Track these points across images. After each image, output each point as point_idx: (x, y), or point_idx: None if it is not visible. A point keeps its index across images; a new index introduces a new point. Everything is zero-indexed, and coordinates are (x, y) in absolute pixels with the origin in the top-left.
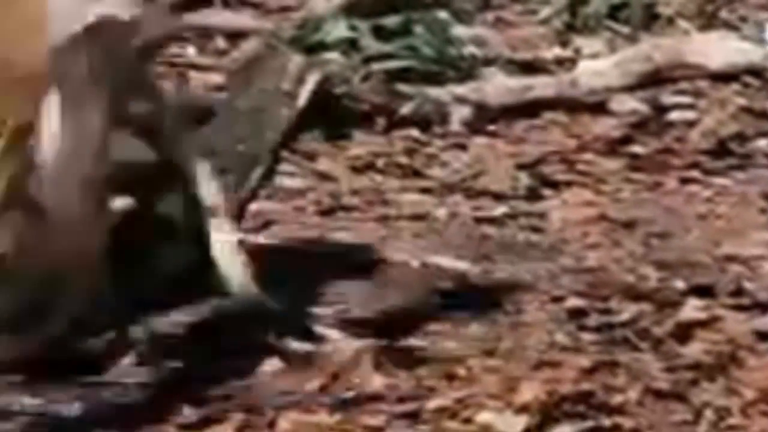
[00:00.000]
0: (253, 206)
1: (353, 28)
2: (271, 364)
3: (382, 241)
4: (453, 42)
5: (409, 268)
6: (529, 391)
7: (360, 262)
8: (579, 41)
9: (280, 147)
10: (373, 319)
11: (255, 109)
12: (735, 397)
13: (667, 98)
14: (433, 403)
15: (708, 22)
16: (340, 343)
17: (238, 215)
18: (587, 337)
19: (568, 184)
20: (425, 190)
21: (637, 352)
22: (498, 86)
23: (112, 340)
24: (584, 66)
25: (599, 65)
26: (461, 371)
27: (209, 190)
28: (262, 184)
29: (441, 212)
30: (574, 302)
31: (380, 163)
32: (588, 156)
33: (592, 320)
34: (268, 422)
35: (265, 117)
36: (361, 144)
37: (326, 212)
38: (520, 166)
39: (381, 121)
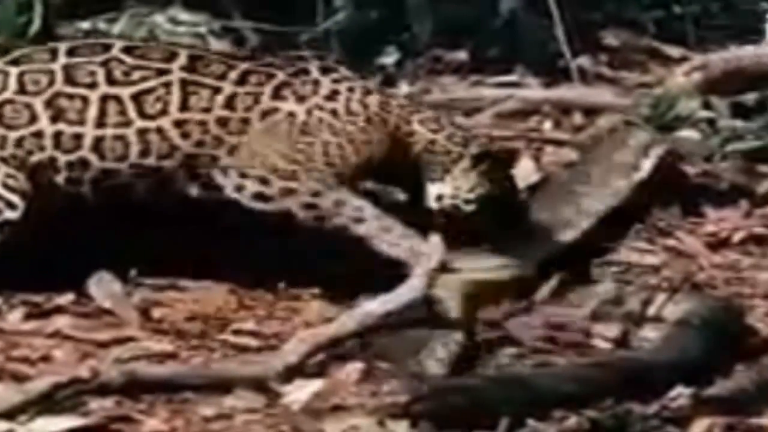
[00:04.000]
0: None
1: (707, 105)
2: None
3: None
4: None
5: (760, 345)
6: None
7: None
8: None
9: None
10: (727, 397)
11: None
12: None
13: None
14: None
15: None
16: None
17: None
18: None
19: None
20: None
21: None
22: None
23: None
24: None
25: None
26: None
27: None
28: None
29: None
30: None
31: (736, 240)
32: None
33: None
34: None
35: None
36: (718, 222)
37: (675, 290)
38: None
39: (738, 199)
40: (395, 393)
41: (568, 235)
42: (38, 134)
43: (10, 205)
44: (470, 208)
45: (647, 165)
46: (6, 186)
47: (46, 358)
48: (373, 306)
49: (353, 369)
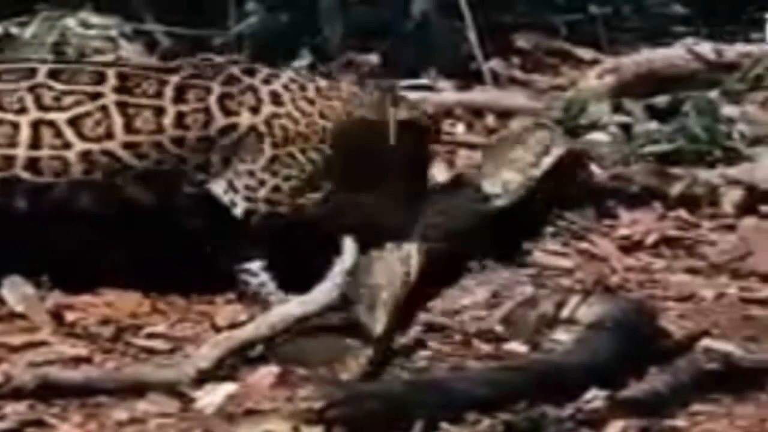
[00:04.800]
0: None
1: (620, 108)
2: None
3: None
4: (722, 121)
5: (673, 347)
6: None
7: None
8: None
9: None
10: (641, 399)
11: None
12: None
13: None
14: None
15: None
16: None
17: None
18: None
19: None
20: (693, 271)
21: None
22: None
23: None
24: None
25: None
26: None
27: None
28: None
29: (708, 293)
30: None
31: (649, 243)
32: None
33: None
34: None
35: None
36: (631, 224)
37: (588, 293)
38: None
39: (651, 202)
40: (310, 398)
41: None
42: None
43: None
44: None
45: (545, 164)
46: None
47: None
48: (288, 309)
49: (267, 373)
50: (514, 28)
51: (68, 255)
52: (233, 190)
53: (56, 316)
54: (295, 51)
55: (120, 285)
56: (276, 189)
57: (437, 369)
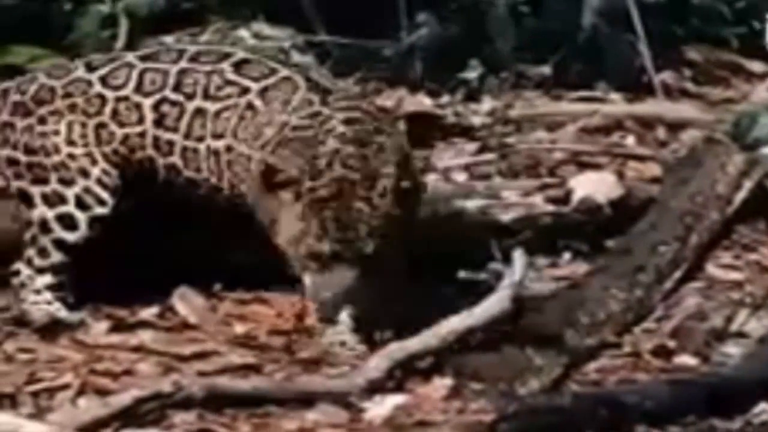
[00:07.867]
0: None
1: None
2: None
3: None
4: None
5: None
6: None
7: None
8: None
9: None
10: None
11: (686, 210)
12: None
13: None
14: None
15: None
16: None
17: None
18: None
19: None
20: None
21: None
22: None
23: None
24: None
25: None
26: None
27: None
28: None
29: None
30: None
31: None
32: None
33: None
34: None
35: (694, 220)
36: None
37: (759, 306)
38: None
39: None
40: (481, 411)
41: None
42: (142, 135)
43: (101, 202)
44: None
45: (739, 197)
46: (100, 182)
47: (129, 372)
48: (457, 321)
49: (440, 385)
50: (685, 41)
51: (239, 264)
52: None
53: (226, 325)
54: (465, 62)
55: (291, 295)
56: None
57: (607, 382)
